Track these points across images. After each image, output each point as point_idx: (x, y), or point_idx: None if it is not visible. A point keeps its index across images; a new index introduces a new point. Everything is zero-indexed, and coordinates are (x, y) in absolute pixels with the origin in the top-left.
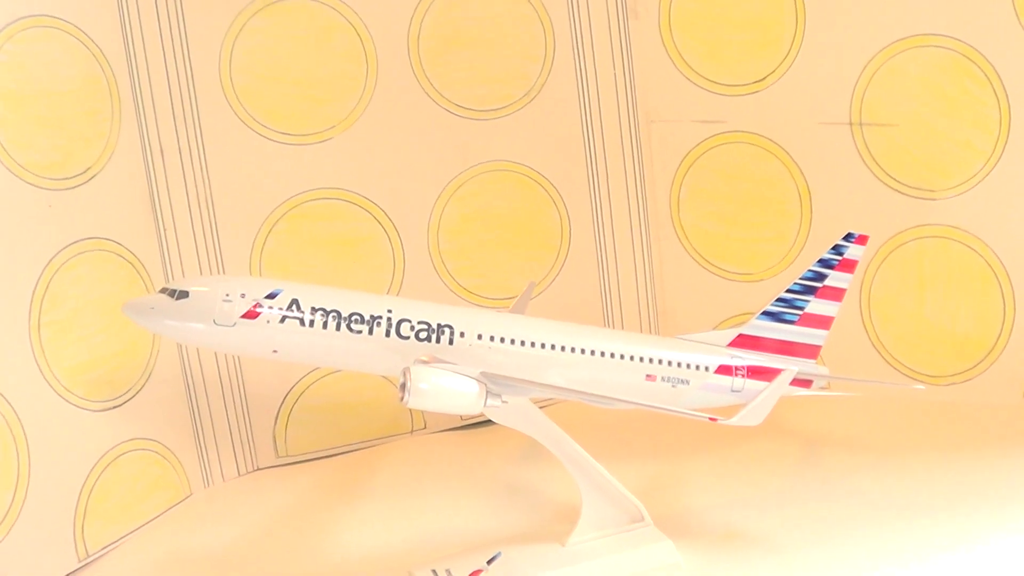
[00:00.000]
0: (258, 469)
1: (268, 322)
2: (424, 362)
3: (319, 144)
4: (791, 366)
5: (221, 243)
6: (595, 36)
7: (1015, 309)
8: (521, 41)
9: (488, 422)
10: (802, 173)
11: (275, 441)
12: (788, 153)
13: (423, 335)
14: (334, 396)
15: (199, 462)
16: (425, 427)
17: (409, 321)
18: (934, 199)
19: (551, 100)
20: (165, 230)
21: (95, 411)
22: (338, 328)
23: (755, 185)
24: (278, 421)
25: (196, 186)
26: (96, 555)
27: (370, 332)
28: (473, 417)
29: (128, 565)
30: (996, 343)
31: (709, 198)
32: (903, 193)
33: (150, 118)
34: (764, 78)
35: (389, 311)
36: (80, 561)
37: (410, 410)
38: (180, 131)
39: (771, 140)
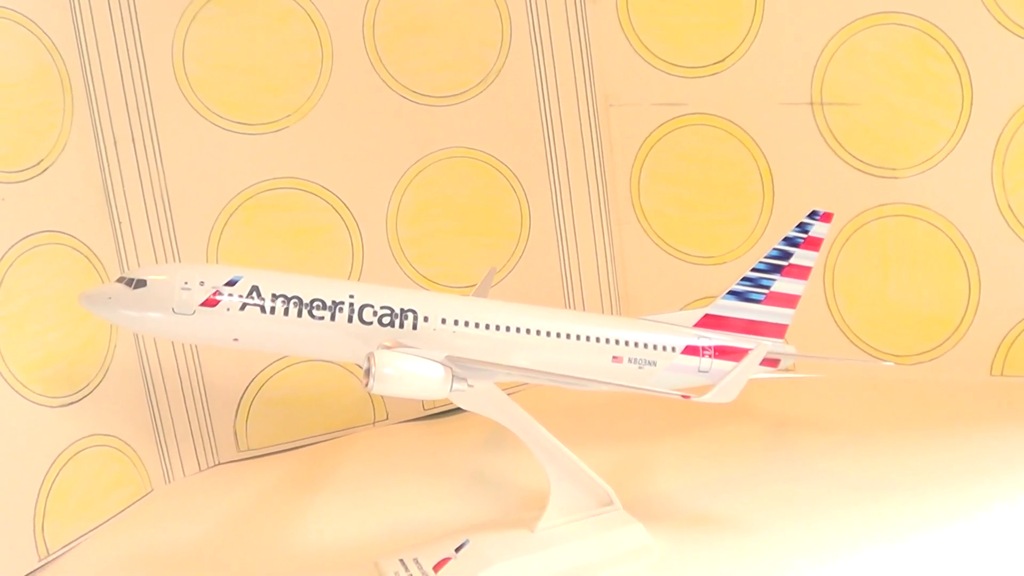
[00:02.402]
0: (219, 464)
1: (228, 310)
2: (388, 347)
3: (275, 133)
4: (758, 346)
5: (177, 235)
6: (552, 20)
7: (980, 286)
8: (477, 26)
9: (451, 411)
10: (763, 154)
11: (236, 435)
12: (749, 134)
13: (386, 320)
14: (295, 388)
15: (159, 457)
16: (388, 418)
17: (372, 306)
18: (896, 178)
19: (508, 85)
20: (120, 223)
21: (53, 407)
22: (300, 315)
23: (716, 167)
24: (238, 415)
25: (151, 177)
26: (57, 554)
27: (332, 318)
28: (436, 406)
29: (90, 563)
30: (962, 321)
31: (670, 181)
32: (865, 172)
33: (103, 109)
34: (724, 59)
35: (351, 296)
36: (40, 560)
37: (372, 401)
38: (134, 122)
39: (732, 122)
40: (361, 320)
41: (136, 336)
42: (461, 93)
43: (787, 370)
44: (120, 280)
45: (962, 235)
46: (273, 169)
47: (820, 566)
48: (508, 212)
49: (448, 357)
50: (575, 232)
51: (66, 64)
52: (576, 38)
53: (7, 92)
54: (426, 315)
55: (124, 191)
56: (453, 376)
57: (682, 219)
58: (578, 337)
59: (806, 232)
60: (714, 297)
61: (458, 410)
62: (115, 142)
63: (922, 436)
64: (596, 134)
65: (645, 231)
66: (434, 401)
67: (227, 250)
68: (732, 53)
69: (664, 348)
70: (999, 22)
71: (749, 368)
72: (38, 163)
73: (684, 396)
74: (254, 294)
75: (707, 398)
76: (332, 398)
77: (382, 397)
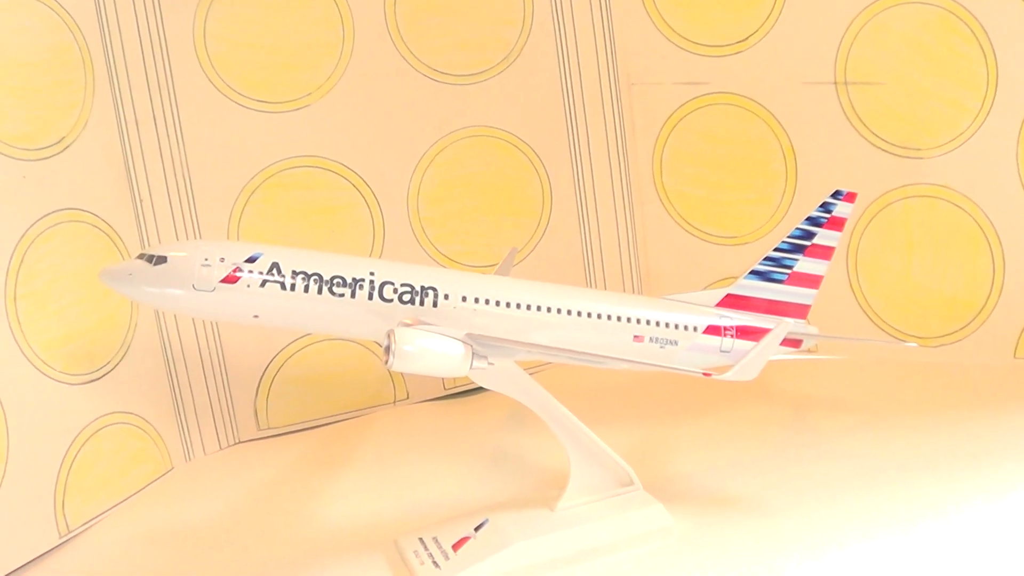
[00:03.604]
0: (239, 442)
1: (248, 286)
2: (408, 324)
3: (296, 111)
4: (780, 324)
5: (198, 213)
6: None
7: (1004, 268)
8: (499, 5)
9: (471, 391)
10: (787, 134)
11: (256, 413)
12: (772, 114)
13: (406, 297)
14: (315, 367)
15: (180, 436)
16: (408, 397)
17: (392, 283)
18: (921, 158)
19: (530, 64)
20: (141, 201)
21: (74, 384)
22: (320, 291)
23: (739, 147)
24: (259, 393)
25: (172, 155)
26: (77, 530)
27: (352, 295)
28: (456, 386)
29: (110, 540)
30: (986, 303)
31: (692, 161)
32: (890, 152)
33: (124, 87)
34: (747, 38)
35: (371, 273)
36: (61, 537)
37: (392, 381)
38: (155, 100)
39: (755, 101)
40: (381, 297)
41: (157, 313)
42: (483, 72)
43: (809, 351)
44: (140, 257)
45: (986, 216)
46: (294, 148)
47: (840, 548)
48: (530, 191)
49: (468, 335)
50: (597, 211)
51: (87, 42)
52: (598, 16)
53: (29, 70)
54: (447, 293)
55: (145, 169)
56: (473, 354)
57: (704, 199)
58: (599, 316)
59: (829, 212)
60: (736, 277)
61: (478, 390)
62: (136, 120)
63: (945, 418)
64: (618, 113)
65: (667, 211)
66: (454, 380)
67: (248, 228)
68: (755, 32)
69: (686, 328)
70: None
71: (771, 346)
72: (59, 141)
73: (705, 374)
74: (274, 271)
75: (728, 376)
76: (352, 377)
77: (402, 376)
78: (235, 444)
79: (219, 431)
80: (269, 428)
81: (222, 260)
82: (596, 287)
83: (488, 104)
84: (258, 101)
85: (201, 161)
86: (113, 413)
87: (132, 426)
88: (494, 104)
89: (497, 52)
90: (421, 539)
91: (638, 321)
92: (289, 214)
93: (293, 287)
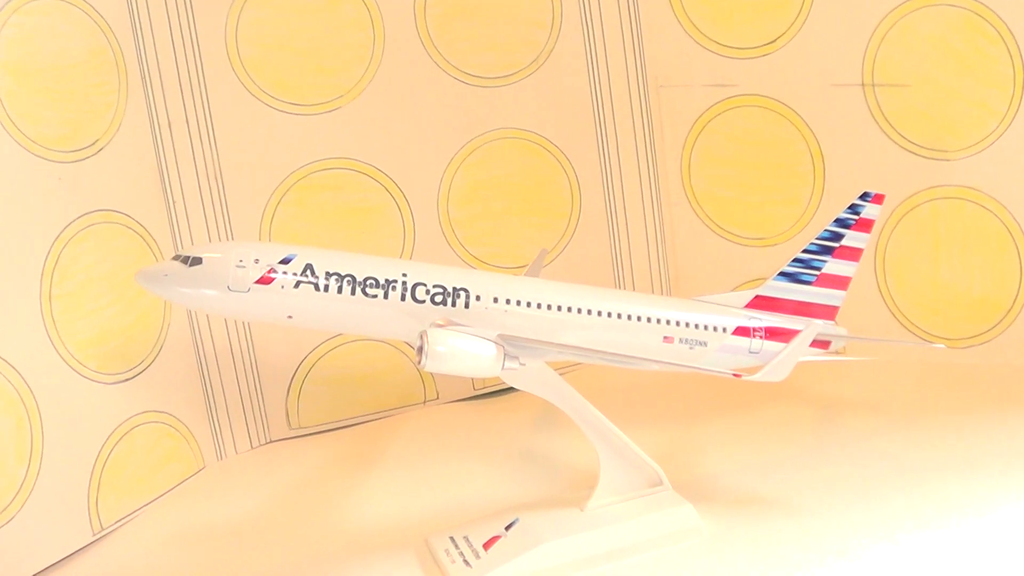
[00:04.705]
0: (271, 441)
1: (282, 287)
2: (440, 325)
3: (327, 114)
4: (811, 325)
5: (230, 214)
6: (602, 1)
7: None
8: (528, 7)
9: (500, 391)
10: (815, 136)
11: (287, 413)
12: (800, 116)
13: (438, 299)
14: (346, 367)
15: (212, 435)
16: (438, 397)
17: (424, 285)
18: (948, 160)
19: (559, 66)
20: (174, 202)
21: (107, 384)
22: (353, 292)
23: (767, 149)
24: (290, 393)
25: (204, 157)
26: (110, 528)
27: (385, 296)
28: (486, 386)
29: (142, 538)
30: (1013, 304)
31: (720, 163)
32: (917, 154)
33: (157, 90)
34: (774, 40)
35: (404, 275)
36: (94, 534)
37: (423, 381)
38: (187, 102)
39: (782, 103)
40: (414, 298)
41: (190, 314)
42: (512, 74)
43: (837, 352)
44: (176, 258)
45: (1013, 218)
46: (325, 150)
47: (868, 549)
48: (559, 193)
49: (500, 336)
50: (625, 213)
51: (121, 45)
52: (627, 19)
53: (64, 73)
54: (478, 294)
55: (178, 171)
56: (505, 355)
57: (733, 200)
58: (629, 317)
59: (858, 213)
60: (764, 279)
61: (508, 390)
62: (169, 122)
63: (972, 420)
64: (646, 115)
65: (695, 212)
66: (484, 380)
67: (279, 230)
68: (783, 34)
69: (715, 329)
70: None
71: (801, 347)
72: (94, 143)
73: (735, 374)
74: (308, 272)
75: (758, 376)
76: (383, 377)
77: (432, 377)
78: (266, 443)
79: (251, 430)
80: (300, 427)
81: (256, 261)
82: (624, 288)
83: (517, 106)
84: (290, 103)
85: (233, 163)
86: (146, 412)
87: (165, 425)
88: (523, 106)
89: (526, 54)
90: (452, 538)
91: (668, 322)
92: (320, 215)
93: (327, 288)
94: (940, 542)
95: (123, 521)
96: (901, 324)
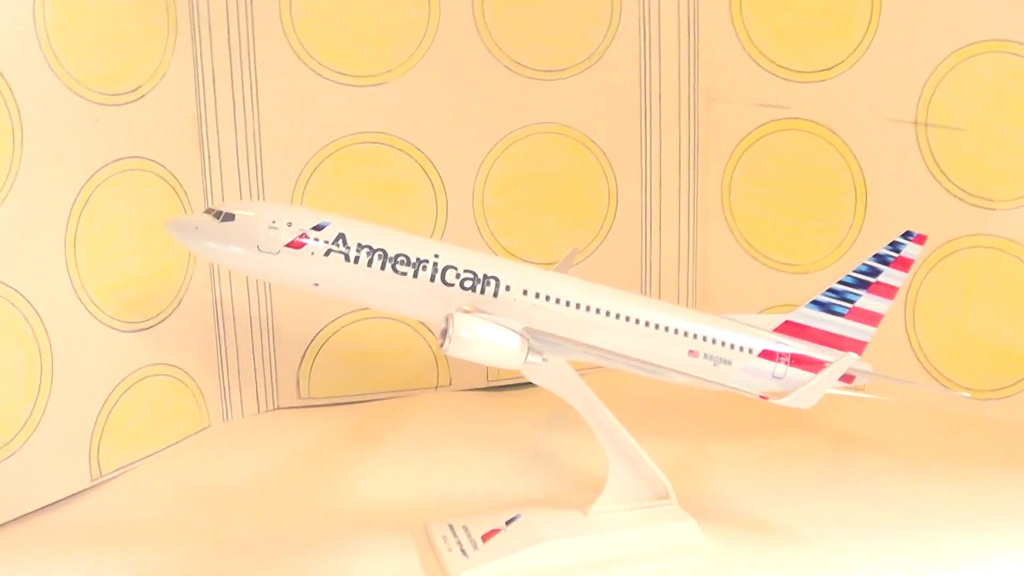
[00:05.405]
0: (278, 408)
1: (312, 254)
2: (467, 311)
3: (373, 87)
4: (846, 355)
5: (264, 176)
6: (663, 5)
7: None
8: (587, 4)
9: (514, 385)
10: (860, 169)
11: (298, 382)
12: (848, 146)
13: (468, 284)
14: (362, 343)
15: (220, 395)
16: (450, 384)
17: (455, 268)
18: (992, 208)
19: (612, 66)
20: (210, 157)
21: (122, 331)
22: (383, 267)
23: (811, 176)
24: (303, 362)
25: (245, 116)
26: (109, 476)
27: (415, 275)
28: (499, 378)
29: (139, 489)
30: None
31: (762, 184)
32: (961, 199)
33: (205, 43)
34: (832, 67)
35: (436, 256)
36: (92, 480)
37: (437, 365)
38: (234, 59)
39: (832, 131)
40: (443, 281)
41: (212, 270)
42: (564, 69)
43: (857, 388)
44: (208, 211)
45: None
46: (367, 123)
47: None
48: (596, 194)
49: (526, 328)
50: (660, 222)
51: None
52: (685, 26)
53: (115, 14)
54: (508, 284)
55: (217, 126)
56: (529, 348)
57: (770, 222)
58: (657, 326)
59: (898, 251)
60: (792, 305)
61: (521, 384)
62: (214, 76)
63: (988, 473)
64: (694, 126)
65: (731, 230)
66: (498, 372)
67: (311, 197)
68: (842, 62)
69: (741, 349)
70: None
71: (832, 377)
72: (136, 88)
73: (763, 396)
74: (340, 242)
75: (786, 401)
76: (398, 357)
77: (447, 362)
78: (274, 409)
79: (259, 395)
80: (310, 398)
81: (290, 225)
82: (651, 295)
83: (565, 102)
84: (336, 72)
85: (273, 125)
86: (158, 364)
87: (174, 379)
88: (571, 103)
89: (581, 51)
90: (451, 526)
91: (695, 336)
92: (354, 188)
93: (357, 260)
94: None
95: (122, 470)
96: (924, 368)
